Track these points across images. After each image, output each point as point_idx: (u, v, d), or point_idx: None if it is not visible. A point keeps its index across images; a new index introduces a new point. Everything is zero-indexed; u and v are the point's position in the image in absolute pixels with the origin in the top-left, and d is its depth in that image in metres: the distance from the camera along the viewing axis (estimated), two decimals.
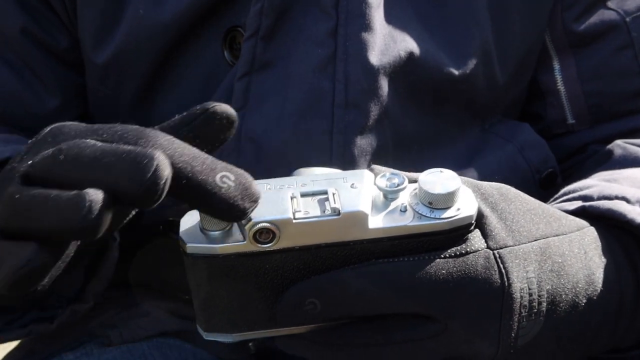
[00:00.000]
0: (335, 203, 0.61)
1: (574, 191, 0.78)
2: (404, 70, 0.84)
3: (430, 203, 0.62)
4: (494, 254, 0.62)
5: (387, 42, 0.83)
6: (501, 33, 0.88)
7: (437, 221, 0.62)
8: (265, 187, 0.62)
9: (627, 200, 0.73)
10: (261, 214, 0.60)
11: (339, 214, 0.60)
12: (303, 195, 0.62)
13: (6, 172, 0.57)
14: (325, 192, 0.62)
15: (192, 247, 0.61)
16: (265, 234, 0.61)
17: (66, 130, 0.59)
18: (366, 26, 0.82)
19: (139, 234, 0.84)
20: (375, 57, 0.82)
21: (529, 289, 0.63)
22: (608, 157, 0.88)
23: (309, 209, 0.61)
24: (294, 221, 0.60)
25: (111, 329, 0.94)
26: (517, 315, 0.63)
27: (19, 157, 0.58)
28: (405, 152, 0.85)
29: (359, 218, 0.61)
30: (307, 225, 0.61)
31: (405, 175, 0.63)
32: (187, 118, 0.59)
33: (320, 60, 0.82)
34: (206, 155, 0.56)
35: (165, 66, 0.87)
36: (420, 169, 0.75)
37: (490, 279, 0.62)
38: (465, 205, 0.63)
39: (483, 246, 0.62)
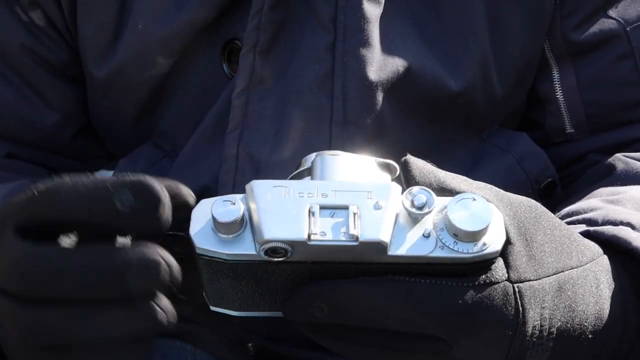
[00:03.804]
0: (354, 228, 0.58)
1: (577, 213, 0.77)
2: (403, 85, 0.83)
3: (455, 235, 0.59)
4: (513, 287, 0.61)
5: (385, 57, 0.83)
6: (500, 46, 0.88)
7: (460, 255, 0.59)
8: (283, 192, 0.60)
9: (632, 227, 0.72)
10: (275, 231, 0.58)
11: (357, 240, 0.58)
12: (322, 208, 0.59)
13: None
14: (347, 208, 0.59)
15: (202, 249, 0.60)
16: (277, 251, 0.59)
17: None
18: (364, 41, 0.81)
19: None
20: (374, 72, 0.82)
21: (541, 325, 0.63)
22: (609, 171, 0.87)
23: (326, 229, 0.58)
24: (309, 242, 0.58)
25: None
26: (525, 350, 0.63)
27: None
28: None
29: (378, 247, 0.59)
30: (322, 247, 0.59)
31: (434, 195, 0.60)
32: None
33: (319, 76, 0.81)
34: None
35: (165, 80, 0.87)
36: None
37: (506, 313, 0.61)
38: (492, 240, 0.60)
39: (504, 278, 0.61)
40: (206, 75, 0.86)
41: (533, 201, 0.66)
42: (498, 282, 0.61)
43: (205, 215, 0.60)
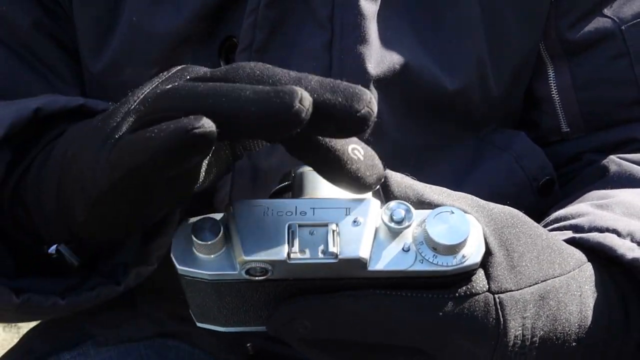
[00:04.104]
0: (333, 246, 0.59)
1: (565, 218, 0.77)
2: (399, 83, 0.83)
3: (434, 248, 0.60)
4: (494, 298, 0.61)
5: (382, 55, 0.82)
6: (496, 45, 0.88)
7: (440, 268, 0.60)
8: (262, 212, 0.60)
9: (618, 234, 0.72)
10: (254, 250, 0.59)
11: (336, 257, 0.59)
12: (302, 226, 0.59)
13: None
14: (326, 226, 0.59)
15: (182, 270, 0.61)
16: (258, 270, 0.60)
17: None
18: (361, 39, 0.81)
19: None
20: (371, 70, 0.81)
21: (523, 335, 0.63)
22: (603, 173, 0.87)
23: (306, 248, 0.59)
24: (289, 261, 0.59)
25: (108, 329, 0.95)
26: (507, 359, 0.63)
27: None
28: (401, 165, 0.85)
29: (358, 263, 0.59)
30: (302, 265, 0.59)
31: (412, 209, 0.60)
32: None
33: (316, 74, 0.81)
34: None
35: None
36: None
37: (487, 324, 0.61)
38: (471, 252, 0.61)
39: (484, 289, 0.61)
40: None
41: (514, 210, 0.66)
42: (479, 293, 0.61)
43: (186, 236, 0.61)
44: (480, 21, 0.86)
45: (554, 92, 0.92)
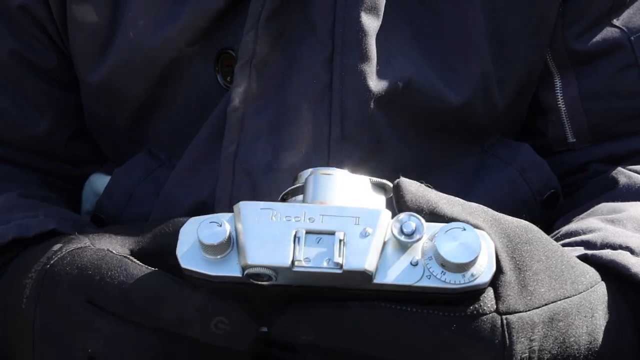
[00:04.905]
0: (339, 256, 0.58)
1: (576, 233, 0.76)
2: (401, 99, 0.82)
3: (443, 265, 0.59)
4: (501, 319, 0.61)
5: (384, 71, 0.81)
6: (501, 59, 0.86)
7: (448, 285, 0.59)
8: (270, 215, 0.60)
9: (632, 251, 0.71)
10: (259, 256, 0.58)
11: (341, 268, 0.58)
12: (309, 233, 0.59)
13: None
14: (333, 234, 0.59)
15: (188, 270, 0.61)
16: (261, 276, 0.59)
17: None
18: (362, 56, 0.80)
19: None
20: (372, 87, 0.80)
21: (529, 357, 0.63)
22: (612, 185, 0.86)
23: (311, 256, 0.59)
24: (293, 269, 0.58)
25: None
26: None
27: None
28: None
29: (363, 275, 0.59)
30: (306, 274, 0.59)
31: (424, 222, 0.60)
32: None
33: (316, 91, 0.80)
34: None
35: (158, 88, 0.86)
36: None
37: (492, 346, 0.61)
38: (481, 270, 0.60)
39: (492, 309, 0.61)
40: (200, 85, 0.85)
41: (529, 224, 0.65)
42: (486, 314, 0.61)
43: (193, 235, 0.61)
44: (484, 34, 0.85)
45: (560, 103, 0.90)
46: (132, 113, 0.88)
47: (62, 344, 0.66)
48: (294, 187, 0.66)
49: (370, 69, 0.80)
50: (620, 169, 0.87)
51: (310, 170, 0.65)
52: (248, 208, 0.60)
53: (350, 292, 0.61)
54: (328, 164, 0.80)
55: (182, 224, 0.64)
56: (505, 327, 0.61)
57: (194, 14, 0.82)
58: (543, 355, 0.63)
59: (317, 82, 0.80)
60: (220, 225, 0.60)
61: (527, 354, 0.62)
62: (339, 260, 0.58)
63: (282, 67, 0.81)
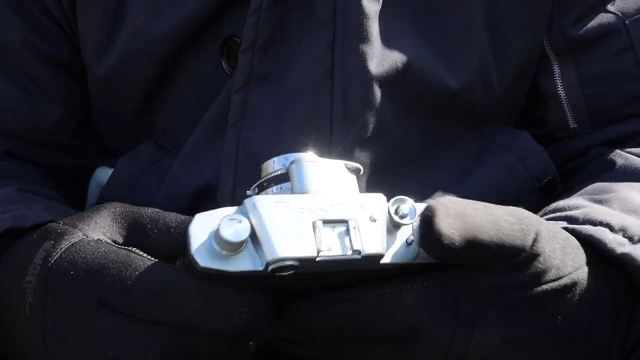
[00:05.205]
0: (357, 243, 0.61)
1: (562, 209, 0.78)
2: (402, 82, 0.83)
3: None
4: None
5: (384, 54, 0.82)
6: (498, 44, 0.87)
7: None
8: (285, 208, 0.61)
9: (611, 228, 0.73)
10: (285, 249, 0.60)
11: (359, 254, 0.61)
12: (325, 222, 0.61)
13: None
14: (346, 222, 0.61)
15: (206, 268, 0.61)
16: (285, 268, 0.60)
17: None
18: (364, 38, 0.81)
19: None
20: (373, 69, 0.81)
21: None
22: (609, 167, 0.87)
23: (331, 244, 0.60)
24: (317, 259, 0.60)
25: None
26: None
27: None
28: (404, 163, 0.85)
29: (377, 258, 0.62)
30: (328, 262, 0.61)
31: (415, 203, 0.63)
32: None
33: (318, 74, 0.81)
34: None
35: (164, 77, 0.87)
36: (420, 180, 0.76)
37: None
38: None
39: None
40: (205, 72, 0.86)
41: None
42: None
43: (204, 232, 0.61)
44: (482, 19, 0.86)
45: (559, 89, 0.92)
46: (138, 103, 0.89)
47: (80, 351, 0.65)
48: (275, 174, 0.66)
49: (372, 52, 0.81)
50: (618, 151, 0.88)
51: (275, 159, 0.67)
52: (263, 202, 0.61)
53: (358, 274, 0.63)
54: (330, 145, 0.81)
55: (182, 221, 0.65)
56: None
57: (198, 1, 0.83)
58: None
59: (319, 64, 0.81)
60: (241, 222, 0.60)
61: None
62: (358, 246, 0.60)
63: (285, 51, 0.82)
